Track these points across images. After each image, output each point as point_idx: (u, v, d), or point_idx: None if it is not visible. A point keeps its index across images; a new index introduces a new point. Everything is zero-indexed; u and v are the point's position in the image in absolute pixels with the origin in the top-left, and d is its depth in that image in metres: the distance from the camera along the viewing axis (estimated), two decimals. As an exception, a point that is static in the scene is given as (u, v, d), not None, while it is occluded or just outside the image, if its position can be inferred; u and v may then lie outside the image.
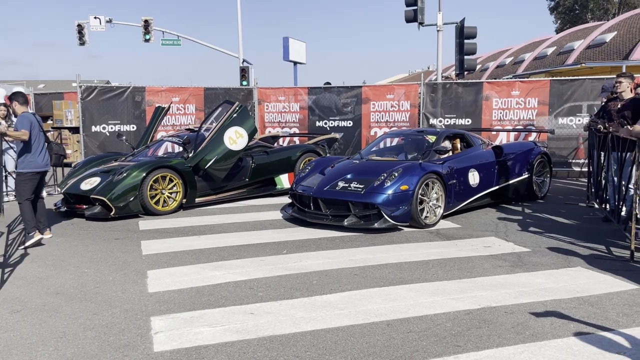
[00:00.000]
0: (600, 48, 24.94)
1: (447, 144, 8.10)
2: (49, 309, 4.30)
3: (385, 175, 6.90)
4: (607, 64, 18.79)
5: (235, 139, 8.86)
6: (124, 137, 10.48)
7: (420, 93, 12.38)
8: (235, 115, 8.94)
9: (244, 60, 22.13)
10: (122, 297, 4.57)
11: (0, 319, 4.11)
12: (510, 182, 8.42)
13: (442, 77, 15.94)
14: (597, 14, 41.21)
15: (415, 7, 14.44)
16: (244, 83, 18.36)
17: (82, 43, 22.25)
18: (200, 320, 4.01)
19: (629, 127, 6.02)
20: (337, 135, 12.26)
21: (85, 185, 7.95)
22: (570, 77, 12.33)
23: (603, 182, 7.39)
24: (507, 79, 18.03)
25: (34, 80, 43.89)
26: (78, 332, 3.84)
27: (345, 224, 6.79)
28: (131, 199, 7.79)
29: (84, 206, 7.91)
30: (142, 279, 5.03)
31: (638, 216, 5.36)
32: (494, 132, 11.73)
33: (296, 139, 12.99)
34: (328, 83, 14.55)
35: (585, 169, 9.83)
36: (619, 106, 7.02)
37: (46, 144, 6.59)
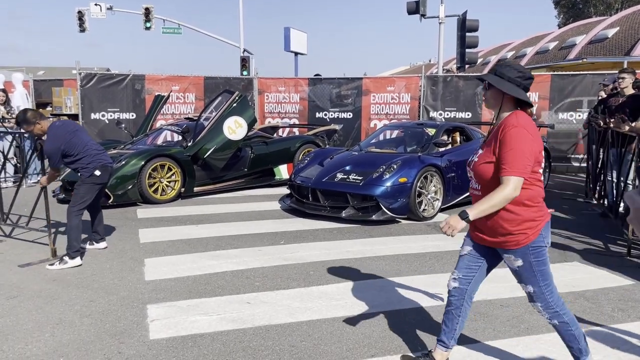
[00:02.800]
0: (602, 43, 24.86)
1: (446, 137, 8.09)
2: (45, 296, 4.30)
3: (384, 167, 6.89)
4: (609, 60, 18.72)
5: (235, 128, 8.83)
6: (123, 125, 10.43)
7: (420, 86, 12.34)
8: (235, 105, 8.91)
9: (244, 50, 22.01)
10: (119, 284, 4.57)
11: (-4, 305, 4.12)
12: (509, 176, 8.40)
13: (443, 70, 15.88)
14: (600, 9, 41.04)
15: (417, -1, 14.34)
16: (245, 73, 18.24)
17: (83, 30, 22.08)
18: (197, 309, 4.01)
19: (630, 123, 6.01)
20: (337, 127, 12.23)
21: (84, 173, 7.94)
22: (572, 72, 12.30)
23: (602, 177, 7.39)
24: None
25: (33, 66, 43.73)
26: (74, 319, 3.85)
27: (343, 215, 6.79)
28: (129, 187, 7.78)
29: (82, 193, 7.89)
30: (139, 267, 5.03)
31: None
32: (493, 126, 11.68)
33: (296, 130, 12.95)
34: (318, 75, 14.45)
35: (584, 165, 9.82)
36: (619, 102, 7.01)
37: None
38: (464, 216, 2.58)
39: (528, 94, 2.76)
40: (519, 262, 2.75)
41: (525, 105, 2.73)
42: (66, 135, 5.14)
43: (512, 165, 2.56)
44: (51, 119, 5.82)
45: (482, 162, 2.73)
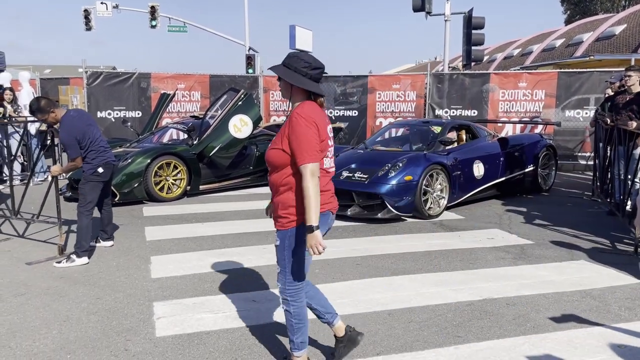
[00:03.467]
0: (609, 40, 24.73)
1: (452, 135, 8.06)
2: (52, 293, 4.33)
3: (389, 165, 6.88)
4: (616, 57, 18.60)
5: (240, 127, 8.84)
6: (129, 123, 10.47)
7: (426, 83, 12.31)
8: (240, 103, 8.92)
9: (250, 48, 22.00)
10: (125, 282, 4.59)
11: (4, 302, 4.15)
12: (515, 174, 8.39)
13: (449, 67, 15.83)
14: (606, 5, 40.79)
15: (423, -4, 14.28)
16: (250, 71, 18.21)
17: (89, 28, 22.16)
18: (202, 306, 4.03)
19: (637, 120, 5.98)
20: (342, 125, 12.21)
21: (90, 171, 7.97)
22: (579, 70, 12.23)
23: (608, 175, 7.35)
24: (514, 70, 17.90)
25: (40, 65, 43.89)
26: (81, 316, 3.87)
27: (349, 213, 6.79)
28: (135, 185, 7.82)
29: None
30: (146, 265, 5.05)
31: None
32: (500, 124, 11.67)
33: (301, 128, 12.91)
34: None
35: (591, 163, 9.78)
36: (626, 99, 6.96)
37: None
38: (311, 229, 2.63)
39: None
40: (277, 242, 2.90)
41: (317, 95, 2.81)
42: (82, 127, 5.16)
43: (302, 153, 2.66)
44: (65, 108, 5.85)
45: (271, 149, 2.84)
